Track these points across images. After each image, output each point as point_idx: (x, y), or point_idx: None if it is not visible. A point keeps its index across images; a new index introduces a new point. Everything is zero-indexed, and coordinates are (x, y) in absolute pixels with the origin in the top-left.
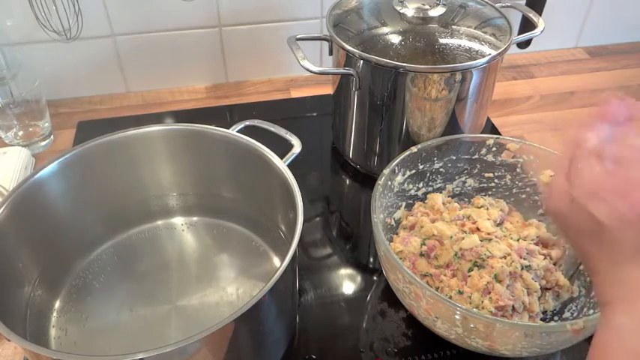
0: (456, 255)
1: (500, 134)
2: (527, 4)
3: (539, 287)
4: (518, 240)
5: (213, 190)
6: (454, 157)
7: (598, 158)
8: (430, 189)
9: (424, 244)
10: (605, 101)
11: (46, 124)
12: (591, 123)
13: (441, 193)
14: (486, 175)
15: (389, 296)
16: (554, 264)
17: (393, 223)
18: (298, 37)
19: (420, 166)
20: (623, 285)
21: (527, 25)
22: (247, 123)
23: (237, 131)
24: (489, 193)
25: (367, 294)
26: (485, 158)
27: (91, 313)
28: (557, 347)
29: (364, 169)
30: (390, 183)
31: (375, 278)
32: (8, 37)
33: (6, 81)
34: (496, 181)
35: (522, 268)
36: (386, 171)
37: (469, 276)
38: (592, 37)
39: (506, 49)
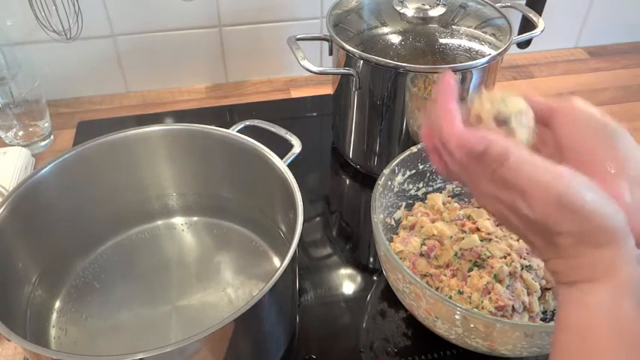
0: (456, 255)
1: None
2: (527, 4)
3: (539, 287)
4: (518, 240)
5: (213, 190)
6: None
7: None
8: (430, 189)
9: (424, 244)
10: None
11: (46, 124)
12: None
13: (441, 193)
14: None
15: (389, 296)
16: None
17: (393, 223)
18: (298, 37)
19: (420, 166)
20: (600, 263)
21: (527, 25)
22: (247, 123)
23: (237, 131)
24: None
25: (367, 294)
26: None
27: (91, 313)
28: None
29: (364, 169)
30: (390, 183)
31: (375, 278)
32: (8, 37)
33: (6, 81)
34: None
35: (522, 268)
36: (386, 171)
37: (469, 276)
38: (592, 37)
39: (506, 49)
